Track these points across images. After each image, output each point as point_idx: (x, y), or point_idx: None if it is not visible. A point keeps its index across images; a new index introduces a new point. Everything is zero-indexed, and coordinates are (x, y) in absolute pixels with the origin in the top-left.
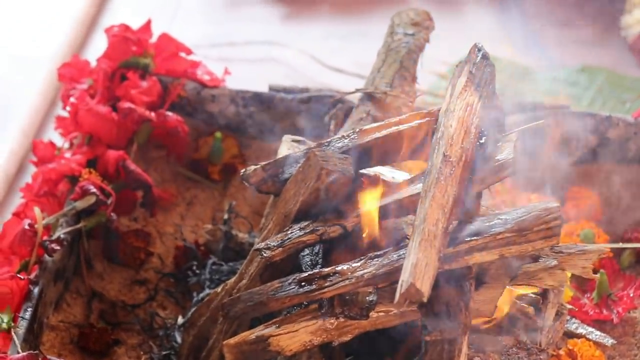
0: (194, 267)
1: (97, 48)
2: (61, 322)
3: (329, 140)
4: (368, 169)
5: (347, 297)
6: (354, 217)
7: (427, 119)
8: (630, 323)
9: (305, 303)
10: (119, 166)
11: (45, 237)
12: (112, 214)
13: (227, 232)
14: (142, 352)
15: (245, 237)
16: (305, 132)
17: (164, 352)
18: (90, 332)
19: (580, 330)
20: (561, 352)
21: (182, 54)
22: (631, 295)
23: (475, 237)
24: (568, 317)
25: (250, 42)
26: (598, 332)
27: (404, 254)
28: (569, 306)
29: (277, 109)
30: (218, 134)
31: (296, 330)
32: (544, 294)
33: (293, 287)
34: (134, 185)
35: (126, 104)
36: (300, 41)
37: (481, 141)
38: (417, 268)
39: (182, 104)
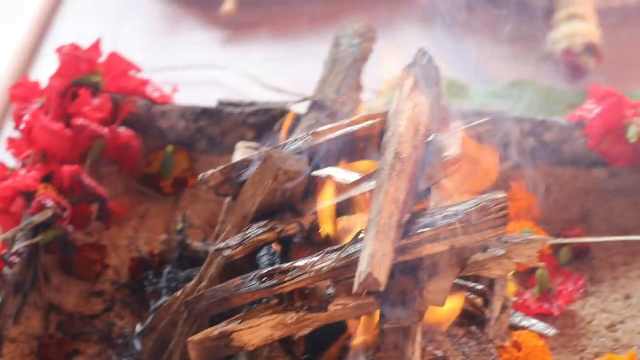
0: (150, 277)
1: (37, 75)
2: (21, 333)
3: (283, 143)
4: (320, 169)
5: (307, 291)
6: (310, 215)
7: (377, 119)
8: (570, 315)
9: (266, 299)
10: (74, 180)
11: (4, 251)
12: (69, 226)
13: (182, 240)
14: None
15: (199, 246)
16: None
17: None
18: (49, 342)
19: (524, 323)
20: (506, 343)
21: (132, 72)
22: (570, 289)
23: (427, 229)
24: (512, 311)
25: (192, 65)
26: (541, 324)
27: (360, 247)
28: (514, 298)
29: (225, 123)
30: (169, 148)
31: (258, 325)
32: (490, 286)
33: (254, 282)
34: (89, 199)
35: (79, 120)
36: (241, 64)
37: (429, 139)
38: (374, 258)
39: (133, 121)
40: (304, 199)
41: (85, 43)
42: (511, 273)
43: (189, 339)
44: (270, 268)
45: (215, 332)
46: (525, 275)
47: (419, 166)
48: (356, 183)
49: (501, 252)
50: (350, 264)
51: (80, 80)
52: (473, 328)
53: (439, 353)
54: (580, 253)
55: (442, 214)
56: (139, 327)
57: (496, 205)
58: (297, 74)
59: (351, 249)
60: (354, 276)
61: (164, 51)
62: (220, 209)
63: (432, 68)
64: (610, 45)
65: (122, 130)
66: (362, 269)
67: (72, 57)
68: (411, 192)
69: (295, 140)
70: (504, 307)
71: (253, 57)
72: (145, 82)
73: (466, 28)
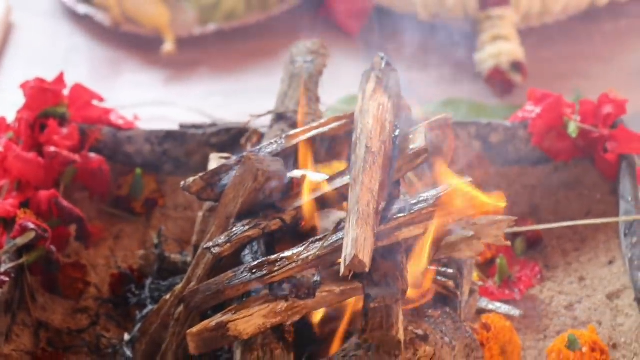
0: (133, 290)
1: None
2: (13, 351)
3: (259, 147)
4: (295, 170)
5: (295, 280)
6: (291, 211)
7: (344, 120)
8: (530, 299)
9: (255, 291)
10: (52, 204)
11: None
12: (51, 246)
13: (160, 254)
14: None
15: (177, 257)
16: None
17: None
18: (42, 356)
19: (490, 307)
20: (476, 326)
21: (95, 102)
22: (528, 275)
23: (402, 214)
24: (478, 296)
25: (138, 104)
26: (506, 306)
27: (341, 236)
28: (480, 283)
29: (189, 144)
30: (138, 170)
31: (251, 315)
32: (459, 270)
33: (245, 274)
34: (68, 221)
35: (51, 148)
36: (185, 100)
37: (396, 134)
38: (358, 242)
39: (100, 147)
40: (283, 196)
41: None
42: (478, 254)
43: (188, 331)
44: (259, 260)
45: (213, 324)
46: (485, 267)
47: (389, 159)
48: (331, 179)
49: (470, 233)
50: (334, 251)
51: (47, 112)
52: (447, 309)
53: (419, 332)
54: (534, 243)
55: (415, 200)
56: (127, 336)
57: None
58: (239, 106)
59: (333, 238)
60: (338, 263)
61: (109, 93)
62: (189, 226)
63: (391, 71)
64: (533, 63)
65: (93, 155)
66: (347, 252)
67: (38, 90)
68: (384, 182)
69: (271, 143)
70: (471, 292)
71: (196, 93)
72: (108, 111)
73: (396, 55)
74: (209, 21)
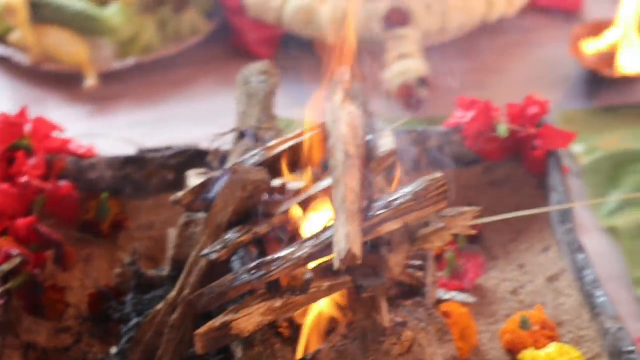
0: (114, 306)
1: None
2: None
3: (242, 159)
4: (274, 180)
5: (289, 278)
6: (279, 216)
7: (317, 130)
8: (479, 289)
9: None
10: (30, 231)
11: None
12: (35, 270)
13: (137, 270)
14: None
15: (153, 272)
16: (177, 182)
17: None
18: None
19: (446, 297)
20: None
21: (56, 133)
22: (474, 266)
23: (383, 210)
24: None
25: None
26: (461, 295)
27: (330, 234)
28: (439, 273)
29: (149, 167)
30: (104, 195)
31: (251, 313)
32: (424, 261)
33: (245, 275)
34: (47, 246)
35: (23, 178)
36: (112, 132)
37: (368, 139)
38: (350, 237)
39: (65, 175)
40: (268, 203)
41: None
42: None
43: (196, 332)
44: (257, 262)
45: (217, 324)
46: (435, 262)
47: (364, 162)
48: (312, 184)
49: (442, 225)
50: (325, 249)
51: (14, 145)
52: (418, 298)
53: (399, 319)
54: (475, 237)
55: (393, 197)
56: (114, 349)
57: (437, 183)
58: (164, 134)
59: (323, 237)
60: (329, 260)
61: None
62: (153, 244)
63: (354, 83)
64: (435, 77)
65: (62, 182)
66: (341, 247)
67: (6, 125)
68: (363, 183)
69: (253, 155)
70: (433, 282)
71: (121, 124)
72: (67, 141)
73: (310, 77)
74: (127, 55)
